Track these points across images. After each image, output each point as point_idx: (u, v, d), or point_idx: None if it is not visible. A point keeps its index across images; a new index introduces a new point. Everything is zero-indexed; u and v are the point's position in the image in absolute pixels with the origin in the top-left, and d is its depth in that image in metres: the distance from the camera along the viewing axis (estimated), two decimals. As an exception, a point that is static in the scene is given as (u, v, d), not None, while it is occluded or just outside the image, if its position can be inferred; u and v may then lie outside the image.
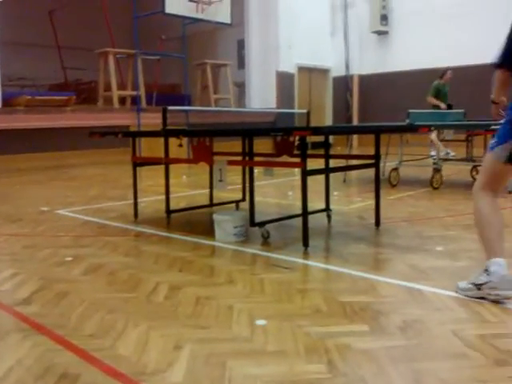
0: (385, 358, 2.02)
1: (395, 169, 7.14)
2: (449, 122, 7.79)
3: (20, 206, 5.92)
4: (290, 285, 2.96)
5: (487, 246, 2.70)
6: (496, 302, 2.56)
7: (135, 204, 5.04)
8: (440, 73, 10.45)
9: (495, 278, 2.57)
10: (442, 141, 8.24)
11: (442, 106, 9.89)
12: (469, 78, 12.72)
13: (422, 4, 14.55)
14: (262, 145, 5.42)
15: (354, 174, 7.97)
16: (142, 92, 13.02)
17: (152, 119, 11.23)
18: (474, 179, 7.43)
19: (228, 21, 13.18)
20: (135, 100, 12.57)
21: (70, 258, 3.63)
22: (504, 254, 2.66)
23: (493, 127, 6.74)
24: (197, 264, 3.44)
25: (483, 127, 7.17)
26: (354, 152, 12.17)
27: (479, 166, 7.45)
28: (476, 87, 12.86)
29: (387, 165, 7.42)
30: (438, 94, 10.15)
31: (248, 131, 4.17)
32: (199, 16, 12.45)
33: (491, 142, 2.78)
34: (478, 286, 2.64)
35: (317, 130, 3.80)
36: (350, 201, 6.22)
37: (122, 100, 13.54)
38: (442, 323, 2.34)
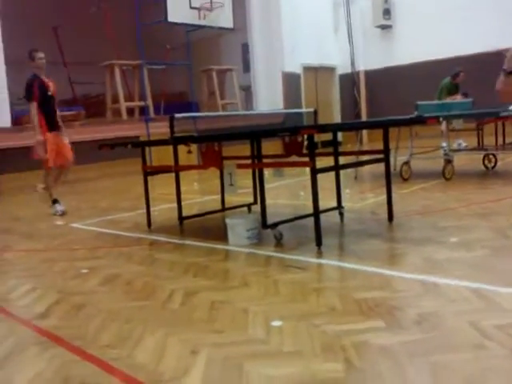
0: (402, 352, 2.01)
1: (406, 162, 7.10)
2: (457, 111, 7.73)
3: (35, 221, 5.98)
4: (304, 285, 2.96)
5: None
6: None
7: (148, 213, 5.06)
8: (452, 72, 10.35)
9: None
10: (452, 131, 8.18)
11: (458, 97, 9.85)
12: (474, 66, 12.63)
13: (425, -5, 14.49)
14: (273, 146, 5.42)
15: (365, 169, 7.94)
16: (149, 102, 13.06)
17: (161, 128, 11.25)
18: (487, 168, 7.38)
19: (231, 25, 13.24)
20: (143, 110, 12.65)
21: (85, 270, 3.66)
22: None
23: (502, 114, 6.70)
24: (211, 269, 3.45)
25: (492, 115, 7.11)
26: (365, 148, 12.12)
27: (491, 154, 7.41)
28: (483, 75, 12.78)
29: (398, 159, 7.38)
30: (450, 92, 10.12)
31: (254, 133, 4.18)
32: (202, 22, 12.53)
33: None
34: None
35: (322, 128, 3.80)
36: (363, 197, 6.20)
37: (131, 111, 13.59)
38: (458, 315, 2.32)
